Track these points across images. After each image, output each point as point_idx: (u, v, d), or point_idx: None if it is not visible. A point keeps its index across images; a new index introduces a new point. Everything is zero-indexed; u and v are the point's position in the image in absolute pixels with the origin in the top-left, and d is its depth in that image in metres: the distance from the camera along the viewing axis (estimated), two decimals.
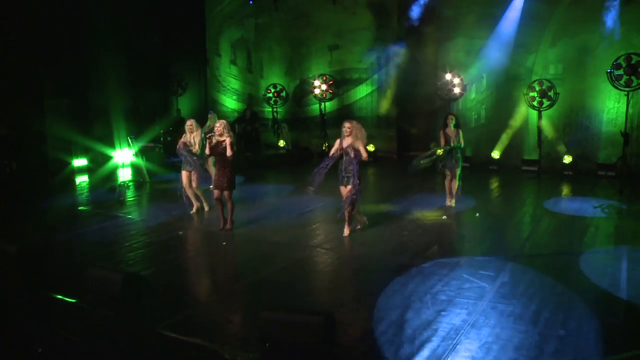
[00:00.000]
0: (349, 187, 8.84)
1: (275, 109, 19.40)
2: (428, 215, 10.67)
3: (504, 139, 16.30)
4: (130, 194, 13.58)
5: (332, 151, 8.97)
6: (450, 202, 11.15)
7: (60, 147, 16.52)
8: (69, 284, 7.15)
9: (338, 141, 8.92)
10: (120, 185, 14.01)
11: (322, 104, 17.83)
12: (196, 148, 10.80)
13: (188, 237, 9.59)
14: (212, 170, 12.23)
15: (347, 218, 9.12)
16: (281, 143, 19.08)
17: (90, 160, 17.11)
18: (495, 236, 9.42)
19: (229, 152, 9.23)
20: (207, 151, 9.45)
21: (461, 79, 15.73)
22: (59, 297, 6.82)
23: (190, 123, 10.98)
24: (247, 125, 18.30)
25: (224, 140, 9.32)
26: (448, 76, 15.82)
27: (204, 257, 8.46)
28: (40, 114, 16.54)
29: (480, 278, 7.18)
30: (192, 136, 10.89)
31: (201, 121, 12.86)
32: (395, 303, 6.43)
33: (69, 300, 6.71)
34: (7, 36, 15.54)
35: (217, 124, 9.41)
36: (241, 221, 10.16)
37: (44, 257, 7.97)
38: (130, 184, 14.48)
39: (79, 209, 12.07)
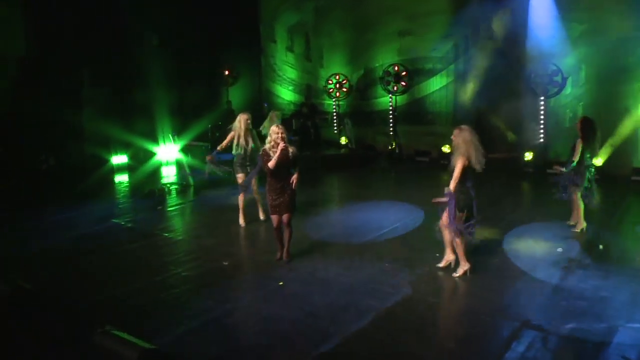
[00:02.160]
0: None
1: (337, 102, 17.24)
2: (538, 245, 8.35)
3: (608, 142, 13.70)
4: (172, 201, 11.75)
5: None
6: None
7: (99, 142, 14.99)
8: (71, 348, 5.25)
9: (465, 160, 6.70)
10: (159, 189, 12.25)
11: (394, 97, 15.46)
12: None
13: (235, 271, 7.53)
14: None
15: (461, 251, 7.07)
16: (343, 140, 16.93)
17: (131, 158, 15.43)
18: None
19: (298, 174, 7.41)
20: (271, 165, 7.24)
21: (560, 71, 13.28)
22: None
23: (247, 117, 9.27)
24: (305, 120, 16.23)
25: (285, 147, 7.26)
26: (544, 67, 13.40)
27: (256, 307, 6.37)
28: (77, 105, 15.01)
29: None
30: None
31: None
32: None
33: None
34: (46, 21, 14.17)
35: (276, 129, 7.32)
36: (300, 247, 8.11)
37: (45, 301, 6.14)
38: (171, 187, 12.65)
39: (112, 220, 10.18)
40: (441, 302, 6.56)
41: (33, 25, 14.34)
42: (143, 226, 9.67)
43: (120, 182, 13.99)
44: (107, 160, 15.06)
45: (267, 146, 7.41)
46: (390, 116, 16.01)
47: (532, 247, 8.26)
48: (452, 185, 6.59)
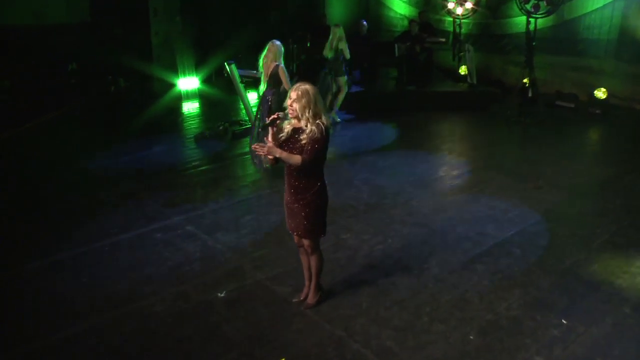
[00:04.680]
0: None
1: (458, 21, 13.43)
2: None
3: None
4: (218, 152, 9.23)
5: None
6: None
7: (168, 64, 12.84)
8: None
9: None
10: (210, 132, 9.89)
11: (533, 19, 11.36)
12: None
13: (225, 317, 4.67)
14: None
15: None
16: (463, 71, 13.24)
17: (204, 82, 13.05)
18: None
19: (297, 160, 4.18)
20: (272, 151, 4.22)
21: None
22: None
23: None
24: (414, 44, 12.67)
25: (306, 132, 4.23)
26: None
27: None
28: (146, 22, 12.82)
29: None
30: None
31: None
32: None
33: None
34: None
35: (293, 91, 4.25)
36: (347, 270, 5.27)
37: None
38: (230, 128, 10.06)
39: (131, 185, 7.70)
40: None
41: None
42: (156, 198, 7.15)
43: (181, 114, 11.76)
44: (175, 85, 12.81)
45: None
46: (527, 44, 11.90)
47: None
48: None
